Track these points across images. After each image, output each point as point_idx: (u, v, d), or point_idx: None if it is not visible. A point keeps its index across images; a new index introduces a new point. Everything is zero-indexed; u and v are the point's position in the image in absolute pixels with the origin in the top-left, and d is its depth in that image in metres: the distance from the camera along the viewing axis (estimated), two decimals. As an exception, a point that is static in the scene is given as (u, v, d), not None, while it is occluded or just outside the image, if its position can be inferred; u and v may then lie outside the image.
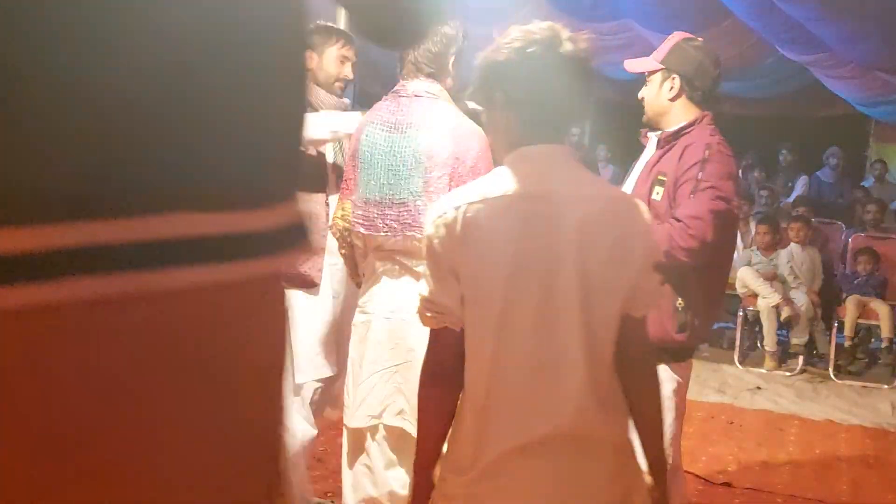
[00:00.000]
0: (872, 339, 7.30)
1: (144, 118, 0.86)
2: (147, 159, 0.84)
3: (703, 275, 2.75)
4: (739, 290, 7.04)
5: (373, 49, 9.40)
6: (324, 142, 3.20)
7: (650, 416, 1.88)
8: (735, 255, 7.43)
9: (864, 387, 6.43)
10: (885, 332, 6.64)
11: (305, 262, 3.23)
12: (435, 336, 1.85)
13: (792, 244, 7.14)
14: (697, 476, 4.27)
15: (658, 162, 2.84)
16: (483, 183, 1.82)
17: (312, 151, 3.23)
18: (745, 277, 6.96)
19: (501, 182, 1.75)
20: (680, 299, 2.74)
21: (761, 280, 6.88)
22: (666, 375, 2.81)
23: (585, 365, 1.68)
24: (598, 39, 9.36)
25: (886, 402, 6.01)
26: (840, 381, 6.49)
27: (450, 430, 1.83)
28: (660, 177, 2.79)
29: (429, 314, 1.80)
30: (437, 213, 1.76)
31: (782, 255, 7.07)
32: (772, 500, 4.09)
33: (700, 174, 2.67)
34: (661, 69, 2.90)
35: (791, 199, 8.89)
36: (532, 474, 1.70)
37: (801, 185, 9.37)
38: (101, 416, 0.80)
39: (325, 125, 3.13)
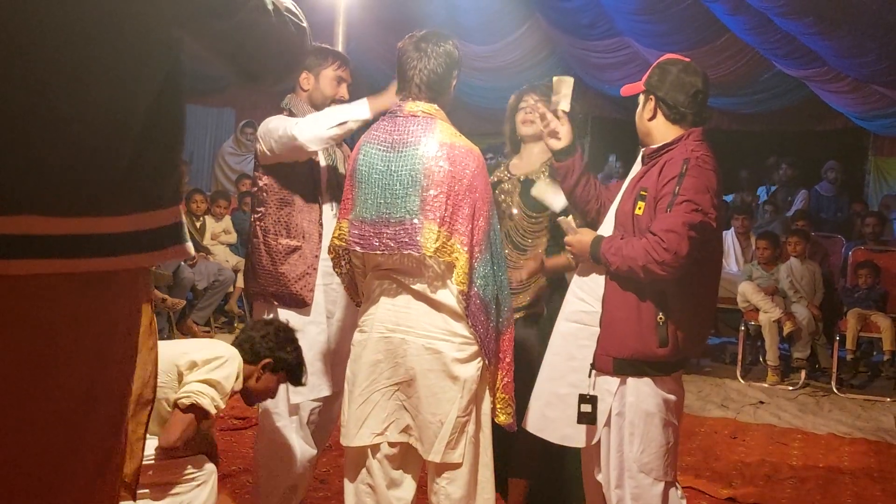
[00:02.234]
0: (874, 353, 7.28)
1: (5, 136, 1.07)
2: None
3: (685, 288, 2.77)
4: (741, 305, 7.05)
5: (370, 69, 9.43)
6: (336, 137, 3.17)
7: None
8: (736, 269, 7.50)
9: (867, 400, 6.41)
10: (887, 346, 6.62)
11: (297, 281, 3.26)
12: None
13: (792, 258, 7.14)
14: (701, 491, 4.26)
15: (642, 178, 2.88)
16: None
17: (304, 158, 3.25)
18: (746, 292, 6.96)
19: None
20: (661, 314, 2.74)
21: (762, 295, 6.89)
22: (649, 390, 2.82)
23: None
24: (596, 57, 9.44)
25: (889, 414, 5.99)
26: (843, 395, 6.48)
27: None
28: (641, 192, 2.82)
29: None
30: None
31: (782, 270, 7.08)
32: (776, 514, 4.08)
33: (677, 188, 2.70)
34: (644, 91, 2.95)
35: (790, 214, 8.90)
36: None
37: (800, 200, 9.38)
38: None
39: (330, 120, 3.12)
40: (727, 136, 11.25)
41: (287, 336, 3.05)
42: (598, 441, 2.91)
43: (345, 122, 3.09)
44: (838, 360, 6.74)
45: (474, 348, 2.75)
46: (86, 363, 1.23)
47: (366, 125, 3.04)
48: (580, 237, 2.91)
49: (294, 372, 3.06)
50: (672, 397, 2.87)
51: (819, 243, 7.87)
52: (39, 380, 1.18)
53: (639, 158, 3.00)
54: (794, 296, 6.96)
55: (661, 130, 2.90)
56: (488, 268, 2.73)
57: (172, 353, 2.82)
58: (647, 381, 2.81)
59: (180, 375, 2.80)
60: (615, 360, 2.80)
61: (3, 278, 1.10)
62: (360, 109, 3.10)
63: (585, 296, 2.95)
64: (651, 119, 2.91)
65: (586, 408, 2.82)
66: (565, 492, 3.40)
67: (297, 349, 3.05)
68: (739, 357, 6.98)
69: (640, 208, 2.81)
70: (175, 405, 2.75)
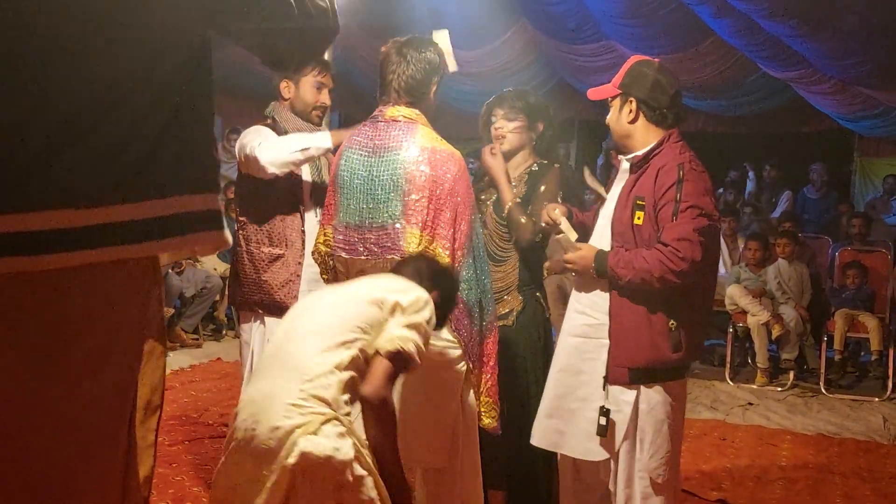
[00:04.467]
0: (862, 353, 7.31)
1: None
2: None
3: (691, 293, 2.79)
4: (729, 308, 7.07)
5: (356, 75, 9.41)
6: (297, 163, 3.22)
7: None
8: (723, 271, 7.51)
9: (855, 400, 6.43)
10: (875, 345, 6.65)
11: (280, 289, 3.25)
12: None
13: (779, 260, 7.17)
14: (691, 493, 4.25)
15: (634, 186, 2.87)
16: None
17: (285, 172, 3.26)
18: (734, 294, 6.98)
19: None
20: (672, 320, 2.76)
21: (750, 297, 6.91)
22: (660, 398, 2.84)
23: None
24: (582, 61, 9.45)
25: (878, 414, 6.01)
26: (831, 395, 6.50)
27: None
28: (638, 200, 2.81)
29: None
30: None
31: (770, 271, 7.10)
32: (766, 515, 4.08)
33: (678, 195, 2.71)
34: (620, 94, 2.94)
35: (776, 215, 8.93)
36: None
37: (785, 201, 9.42)
38: None
39: (292, 145, 3.17)
40: (714, 139, 11.30)
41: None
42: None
43: (307, 149, 3.17)
44: (826, 361, 6.77)
45: (458, 352, 2.74)
46: (95, 358, 1.23)
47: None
48: (582, 253, 2.90)
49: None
50: (678, 402, 2.90)
51: (806, 245, 7.90)
52: (54, 377, 1.18)
53: (625, 166, 2.98)
54: (782, 297, 6.98)
55: (643, 133, 2.90)
56: (471, 272, 2.72)
57: (364, 294, 2.36)
58: (658, 388, 2.83)
59: (380, 322, 2.32)
60: (630, 370, 2.82)
61: (20, 275, 1.09)
62: (323, 139, 3.18)
63: (587, 309, 2.96)
64: (632, 122, 2.91)
65: (603, 420, 2.83)
66: (543, 502, 3.40)
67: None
68: (728, 359, 7.00)
69: (639, 217, 2.81)
70: (376, 353, 2.29)
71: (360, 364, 2.18)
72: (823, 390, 6.58)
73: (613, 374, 2.85)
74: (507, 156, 3.37)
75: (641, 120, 2.90)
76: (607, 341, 2.86)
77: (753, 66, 9.01)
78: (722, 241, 7.86)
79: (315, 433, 2.00)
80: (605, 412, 2.83)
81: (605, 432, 2.83)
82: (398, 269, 2.49)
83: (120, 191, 1.20)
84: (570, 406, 2.96)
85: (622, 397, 2.85)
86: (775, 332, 6.74)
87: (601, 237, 2.96)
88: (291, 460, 1.96)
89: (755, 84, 9.56)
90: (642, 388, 2.84)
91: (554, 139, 3.50)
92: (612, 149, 3.12)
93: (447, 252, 2.67)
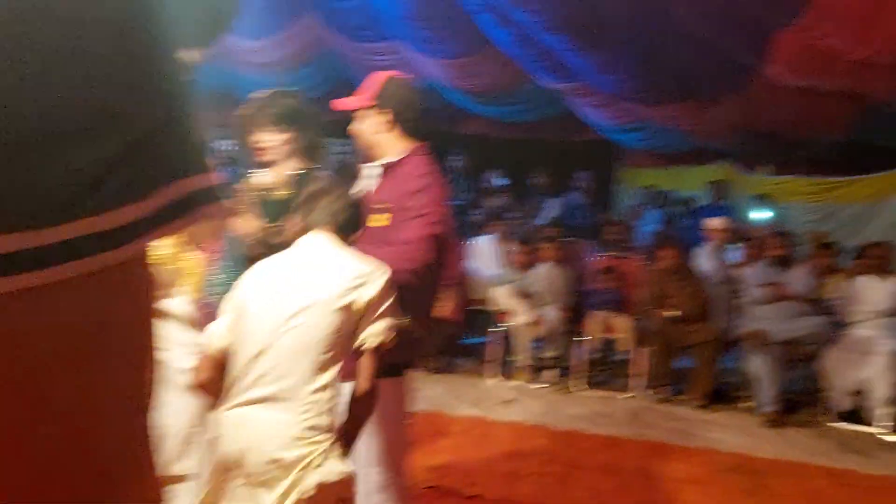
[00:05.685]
0: (615, 352, 7.83)
1: None
2: None
3: (417, 293, 2.92)
4: (495, 308, 7.37)
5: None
6: None
7: None
8: (491, 273, 7.81)
9: (607, 397, 6.89)
10: (625, 345, 7.17)
11: None
12: None
13: (544, 263, 7.55)
14: (449, 490, 4.39)
15: (380, 190, 3.07)
16: None
17: None
18: (500, 295, 7.29)
19: None
20: (403, 319, 2.88)
21: (515, 298, 7.23)
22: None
23: None
24: (368, 60, 9.49)
25: (625, 410, 6.47)
26: (585, 393, 6.93)
27: None
28: (382, 205, 2.99)
29: None
30: None
31: (535, 274, 7.47)
32: (517, 509, 4.27)
33: (416, 202, 2.92)
34: (373, 105, 3.11)
35: (543, 221, 9.36)
36: None
37: (553, 207, 9.88)
38: None
39: None
40: (491, 143, 11.70)
41: None
42: None
43: None
44: (583, 360, 7.21)
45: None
46: (86, 373, 1.18)
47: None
48: None
49: None
50: (397, 399, 3.01)
51: (569, 249, 8.35)
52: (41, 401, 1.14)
53: (372, 172, 3.16)
54: (545, 299, 7.36)
55: (392, 143, 3.10)
56: (224, 275, 2.70)
57: (335, 293, 2.41)
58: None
59: (356, 323, 2.46)
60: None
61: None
62: None
63: None
64: (386, 132, 3.09)
65: None
66: None
67: None
68: (493, 357, 7.30)
69: (382, 221, 2.97)
70: (359, 349, 2.47)
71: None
72: (579, 388, 7.01)
73: None
74: (271, 167, 3.36)
75: (395, 131, 3.09)
76: None
77: (528, 76, 9.39)
78: (492, 243, 8.24)
79: (322, 465, 2.21)
80: None
81: None
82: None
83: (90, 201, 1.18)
84: None
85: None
86: (537, 331, 7.10)
87: None
88: (309, 494, 2.16)
89: (530, 93, 9.96)
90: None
91: (319, 140, 3.46)
92: (356, 156, 3.28)
93: (199, 254, 2.63)
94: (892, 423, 6.27)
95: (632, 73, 8.36)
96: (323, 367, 2.28)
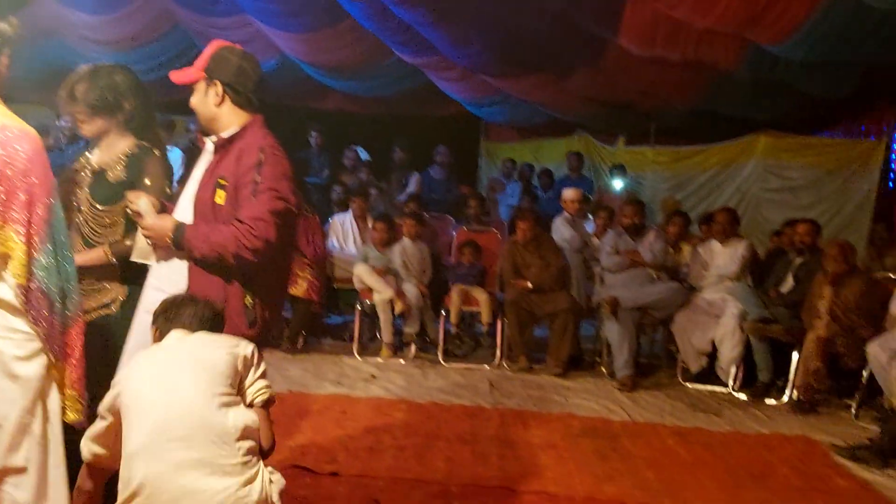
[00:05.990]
0: (475, 325, 7.93)
1: None
2: None
3: (268, 271, 2.89)
4: (357, 286, 7.36)
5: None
6: None
7: None
8: (353, 251, 7.77)
9: (468, 369, 6.99)
10: (485, 318, 7.27)
11: None
12: None
13: (405, 239, 7.57)
14: (306, 469, 4.35)
15: (217, 166, 2.94)
16: None
17: None
18: (362, 274, 7.27)
19: None
20: (248, 297, 2.84)
21: (376, 276, 7.22)
22: None
23: None
24: (218, 34, 9.23)
25: (486, 381, 6.58)
26: (447, 365, 7.01)
27: None
28: (220, 180, 2.89)
29: None
30: None
31: (395, 251, 7.48)
32: (375, 484, 4.26)
33: (258, 176, 2.81)
34: (205, 77, 2.99)
35: (404, 197, 9.35)
36: None
37: (413, 183, 9.88)
38: None
39: None
40: (349, 118, 11.62)
41: None
42: None
43: None
44: (445, 333, 7.28)
45: (37, 345, 2.56)
46: None
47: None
48: (161, 223, 2.89)
49: None
50: None
51: (430, 224, 8.39)
52: None
53: (209, 146, 3.05)
54: (406, 275, 7.38)
55: (229, 116, 3.00)
56: (51, 258, 2.55)
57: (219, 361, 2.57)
58: None
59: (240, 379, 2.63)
60: None
61: None
62: None
63: (162, 284, 2.94)
64: (218, 105, 2.99)
65: None
66: None
67: None
68: (356, 335, 7.28)
69: (220, 197, 2.88)
70: (251, 405, 2.63)
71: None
72: (441, 361, 7.08)
73: None
74: (93, 140, 3.27)
75: (227, 103, 2.99)
76: None
77: (388, 50, 9.35)
78: (352, 221, 8.19)
79: (256, 481, 2.45)
80: None
81: None
82: None
83: None
84: None
85: None
86: (398, 307, 7.12)
87: (182, 217, 2.97)
88: None
89: (389, 67, 9.93)
90: None
91: (151, 118, 3.37)
92: (199, 130, 3.14)
93: (22, 237, 2.48)
94: (740, 382, 6.60)
95: (486, 46, 8.44)
96: (235, 408, 2.49)
